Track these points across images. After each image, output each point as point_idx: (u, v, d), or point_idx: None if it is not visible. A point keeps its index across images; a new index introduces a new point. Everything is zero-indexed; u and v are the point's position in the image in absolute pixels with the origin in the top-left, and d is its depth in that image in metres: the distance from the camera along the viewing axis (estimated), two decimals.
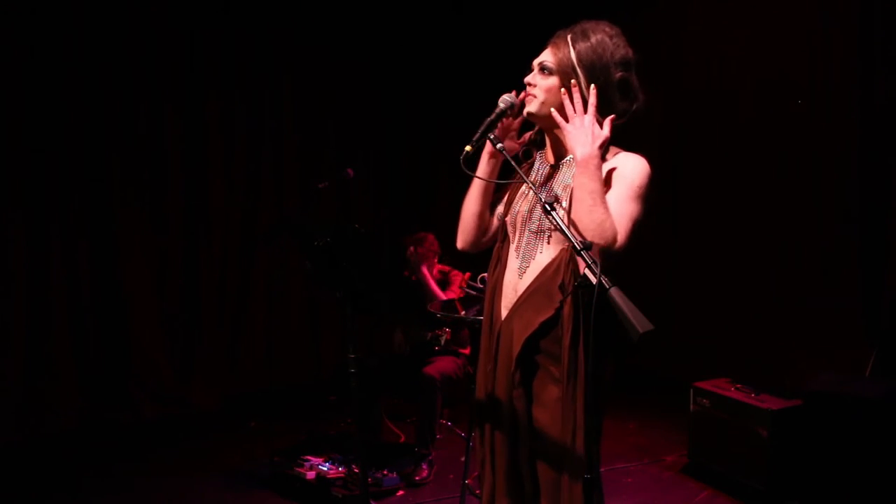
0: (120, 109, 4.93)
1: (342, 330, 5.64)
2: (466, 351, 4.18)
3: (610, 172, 1.85)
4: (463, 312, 3.78)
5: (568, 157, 1.94)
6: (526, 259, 1.94)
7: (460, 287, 4.14)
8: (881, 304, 4.30)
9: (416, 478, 3.76)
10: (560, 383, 1.84)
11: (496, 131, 1.95)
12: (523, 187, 2.02)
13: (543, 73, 1.91)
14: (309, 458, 3.66)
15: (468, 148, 1.85)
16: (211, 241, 5.37)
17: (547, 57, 1.91)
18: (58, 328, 4.71)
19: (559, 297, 1.84)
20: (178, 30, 5.13)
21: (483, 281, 3.51)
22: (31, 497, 3.68)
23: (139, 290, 5.03)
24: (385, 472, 3.64)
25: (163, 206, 5.16)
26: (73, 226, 4.78)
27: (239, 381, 5.35)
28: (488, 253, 2.13)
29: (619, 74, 1.87)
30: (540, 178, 2.00)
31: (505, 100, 1.96)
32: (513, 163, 1.88)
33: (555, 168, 1.97)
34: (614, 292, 1.56)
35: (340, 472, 3.52)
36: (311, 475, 3.53)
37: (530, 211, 1.95)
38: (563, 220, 1.70)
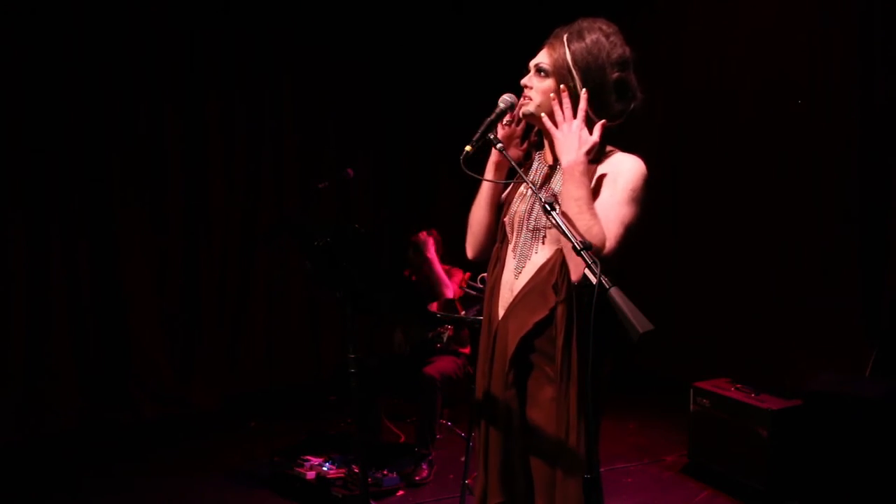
0: (120, 109, 4.94)
1: (342, 330, 5.64)
2: (466, 350, 4.18)
3: (603, 175, 1.85)
4: (463, 312, 3.79)
5: None
6: (522, 259, 1.94)
7: (460, 287, 4.14)
8: (881, 304, 4.29)
9: (416, 478, 3.76)
10: (554, 383, 1.84)
11: (498, 134, 1.95)
12: (522, 188, 2.03)
13: (539, 74, 1.91)
14: (309, 458, 3.67)
15: (468, 148, 1.85)
16: (211, 241, 5.37)
17: (542, 58, 1.91)
18: (58, 328, 4.71)
19: (553, 297, 1.84)
20: (178, 30, 5.13)
21: (483, 281, 3.51)
22: (32, 497, 3.69)
23: (139, 290, 5.03)
24: (385, 472, 3.64)
25: (163, 206, 5.16)
26: (73, 226, 4.78)
27: (239, 381, 5.35)
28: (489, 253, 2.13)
29: (615, 74, 1.85)
30: (538, 179, 2.00)
31: (505, 100, 1.96)
32: (512, 163, 1.88)
33: (553, 168, 1.97)
34: (614, 292, 1.56)
35: (340, 472, 3.52)
36: (311, 475, 3.53)
37: (528, 211, 1.96)
38: (562, 221, 1.70)
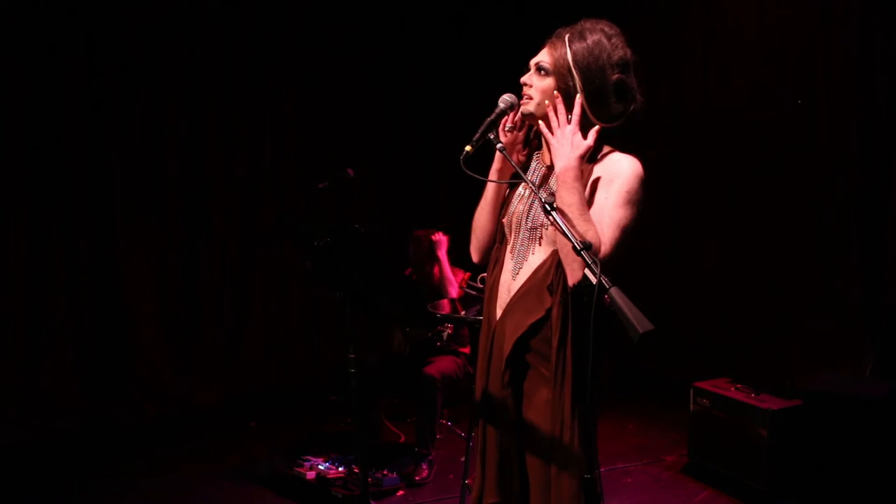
0: (120, 109, 4.94)
1: (342, 330, 5.65)
2: (466, 350, 4.18)
3: (599, 177, 1.85)
4: (463, 312, 3.79)
5: None
6: (519, 260, 1.95)
7: (460, 286, 4.14)
8: (881, 305, 4.29)
9: (416, 478, 3.76)
10: (550, 383, 1.85)
11: (501, 139, 1.95)
12: (520, 188, 2.03)
13: (539, 73, 1.91)
14: (309, 458, 3.67)
15: (468, 148, 1.85)
16: (211, 241, 5.37)
17: (543, 57, 1.91)
18: (58, 328, 4.72)
19: (549, 298, 1.85)
20: (179, 29, 5.12)
21: (483, 281, 3.51)
22: (32, 497, 3.69)
23: (139, 290, 5.03)
24: (385, 472, 3.64)
25: (163, 206, 5.16)
26: (73, 226, 4.79)
27: (239, 380, 5.35)
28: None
29: (615, 76, 1.85)
30: (537, 180, 2.00)
31: (505, 100, 1.96)
32: (512, 163, 1.88)
33: (551, 169, 1.97)
34: (614, 292, 1.56)
35: (340, 472, 3.52)
36: (311, 475, 3.53)
37: (526, 212, 1.96)
38: (561, 220, 1.70)
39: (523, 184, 2.01)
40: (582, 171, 1.85)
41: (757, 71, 4.98)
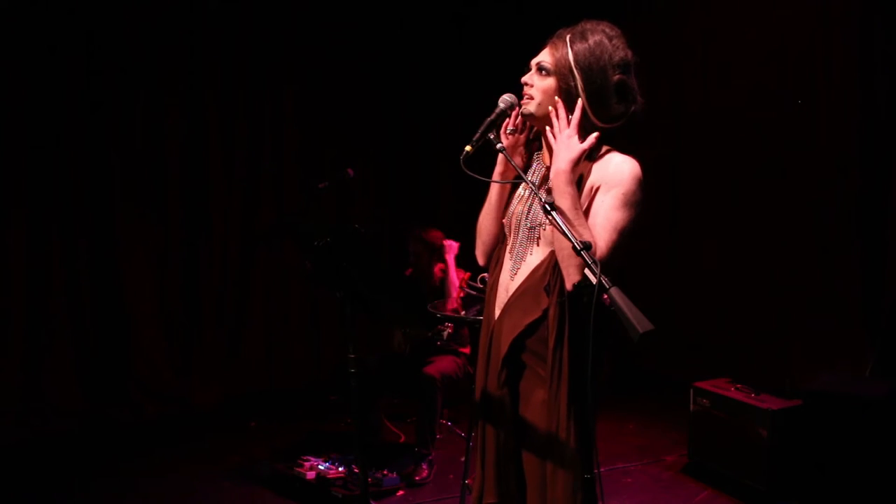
0: (120, 109, 4.93)
1: (342, 330, 5.65)
2: (466, 350, 4.18)
3: (597, 178, 1.85)
4: (463, 312, 3.78)
5: None
6: (518, 261, 1.96)
7: (460, 287, 4.14)
8: (881, 305, 4.29)
9: (416, 478, 3.76)
10: (546, 384, 1.85)
11: (503, 143, 1.95)
12: (520, 189, 2.04)
13: (541, 73, 1.91)
14: (309, 458, 3.66)
15: (468, 148, 1.86)
16: (211, 241, 5.37)
17: (545, 57, 1.91)
18: (58, 328, 4.72)
19: (546, 299, 1.86)
20: (179, 29, 5.12)
21: (483, 281, 3.52)
22: (33, 497, 3.69)
23: (139, 290, 5.03)
24: (385, 472, 3.64)
25: (163, 206, 5.16)
26: (73, 226, 4.78)
27: (239, 380, 5.35)
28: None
29: (616, 77, 1.86)
30: (537, 180, 2.01)
31: (505, 100, 1.96)
32: (513, 164, 1.88)
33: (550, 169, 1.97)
34: (614, 292, 1.56)
35: (340, 472, 3.52)
36: (311, 475, 3.53)
37: (525, 212, 1.96)
38: (561, 220, 1.71)
39: (524, 184, 2.01)
40: (583, 172, 1.86)
41: (757, 71, 4.98)
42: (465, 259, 3.19)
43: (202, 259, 5.33)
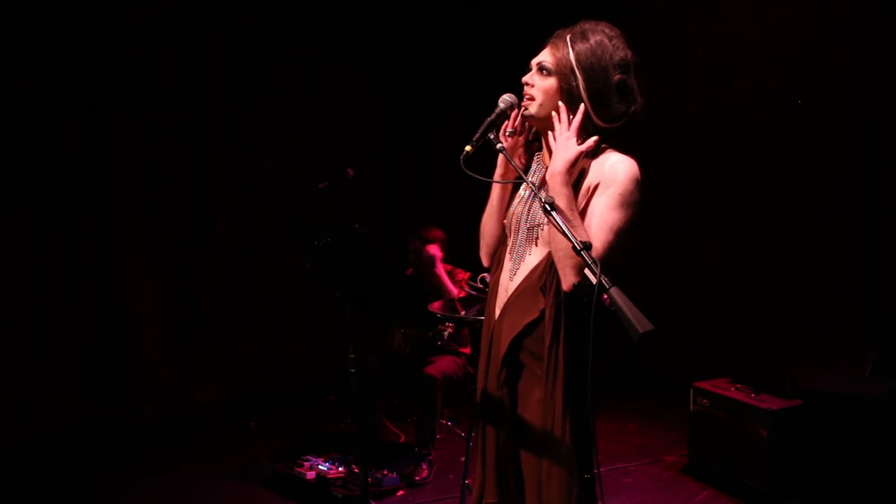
0: (120, 109, 4.93)
1: (342, 330, 5.65)
2: (467, 350, 4.18)
3: (595, 178, 1.86)
4: (463, 312, 3.78)
5: None
6: (517, 261, 1.97)
7: (460, 286, 4.14)
8: (881, 305, 4.30)
9: (416, 478, 3.76)
10: (543, 383, 1.86)
11: (504, 145, 1.95)
12: (521, 190, 2.04)
13: (542, 73, 1.91)
14: (309, 458, 3.66)
15: (468, 148, 1.86)
16: (211, 241, 5.37)
17: (545, 57, 1.91)
18: (58, 328, 4.72)
19: (543, 299, 1.86)
20: (179, 29, 5.12)
21: (482, 281, 3.52)
22: (33, 497, 3.69)
23: (139, 290, 5.03)
24: (385, 472, 3.64)
25: (163, 206, 5.16)
26: (73, 226, 4.79)
27: (239, 380, 5.35)
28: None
29: (617, 76, 1.86)
30: (537, 180, 2.01)
31: (505, 100, 1.96)
32: (513, 164, 1.88)
33: None
34: (614, 292, 1.56)
35: (340, 472, 3.52)
36: (311, 475, 3.53)
37: (525, 212, 1.97)
38: (561, 220, 1.71)
39: (524, 185, 2.01)
40: (581, 172, 1.86)
41: (757, 71, 4.98)
42: (466, 259, 3.18)
43: (202, 259, 5.33)
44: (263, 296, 5.56)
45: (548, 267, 1.87)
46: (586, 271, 1.63)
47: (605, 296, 1.59)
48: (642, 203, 1.84)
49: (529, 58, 1.96)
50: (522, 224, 1.96)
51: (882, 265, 4.34)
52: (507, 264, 2.00)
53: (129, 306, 4.99)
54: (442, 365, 3.98)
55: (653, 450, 4.24)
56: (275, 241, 5.48)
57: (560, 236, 1.73)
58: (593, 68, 1.85)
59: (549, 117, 1.89)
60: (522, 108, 1.94)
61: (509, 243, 2.02)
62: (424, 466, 3.82)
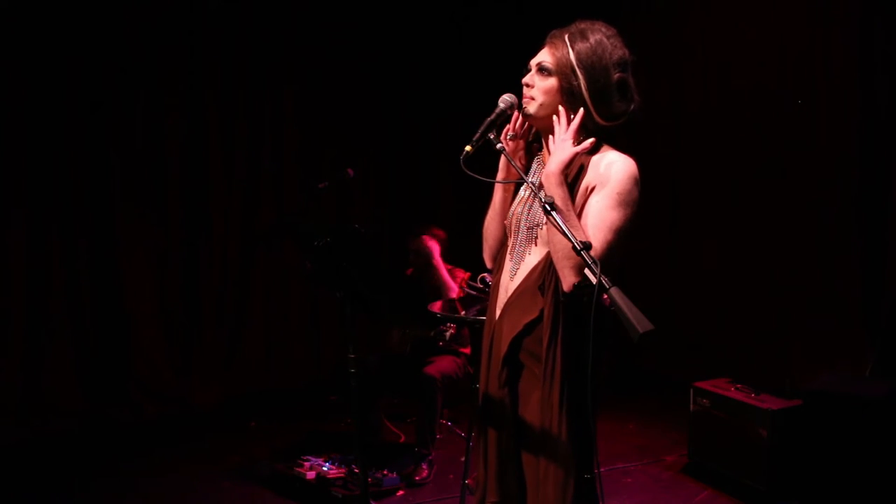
0: (120, 109, 4.93)
1: (342, 330, 5.65)
2: (467, 350, 4.18)
3: (593, 177, 1.85)
4: (463, 312, 3.78)
5: None
6: (517, 261, 1.97)
7: (460, 286, 4.14)
8: (881, 305, 4.30)
9: (416, 478, 3.76)
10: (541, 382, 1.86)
11: (504, 144, 1.96)
12: (521, 191, 2.04)
13: (542, 73, 1.91)
14: (309, 458, 3.66)
15: (468, 148, 1.85)
16: (211, 241, 5.37)
17: (545, 57, 1.91)
18: (58, 328, 4.72)
19: (542, 299, 1.86)
20: (179, 29, 5.12)
21: (482, 281, 3.51)
22: (32, 497, 3.68)
23: (139, 290, 5.03)
24: (385, 472, 3.64)
25: (163, 206, 5.16)
26: (73, 226, 4.79)
27: (239, 380, 5.35)
28: None
29: (617, 75, 1.86)
30: (537, 181, 2.01)
31: (505, 100, 1.96)
32: (514, 164, 1.88)
33: None
34: (614, 292, 1.56)
35: (340, 472, 3.52)
36: (311, 475, 3.53)
37: (525, 212, 1.97)
38: (561, 220, 1.71)
39: (524, 186, 2.01)
40: (579, 171, 1.86)
41: (757, 71, 4.98)
42: (467, 259, 3.19)
43: (202, 259, 5.33)
44: (263, 296, 5.56)
45: (547, 267, 1.87)
46: (586, 271, 1.63)
47: (605, 296, 1.58)
48: (641, 202, 1.84)
49: (529, 58, 1.95)
50: (522, 224, 1.97)
51: (882, 265, 4.34)
52: (508, 264, 2.00)
53: (129, 306, 4.99)
54: (442, 365, 3.98)
55: (653, 450, 4.24)
56: (275, 241, 5.48)
57: (559, 236, 1.73)
58: (594, 67, 1.85)
59: (550, 117, 1.89)
60: (523, 108, 1.94)
61: (510, 244, 2.02)
62: (424, 466, 3.82)
